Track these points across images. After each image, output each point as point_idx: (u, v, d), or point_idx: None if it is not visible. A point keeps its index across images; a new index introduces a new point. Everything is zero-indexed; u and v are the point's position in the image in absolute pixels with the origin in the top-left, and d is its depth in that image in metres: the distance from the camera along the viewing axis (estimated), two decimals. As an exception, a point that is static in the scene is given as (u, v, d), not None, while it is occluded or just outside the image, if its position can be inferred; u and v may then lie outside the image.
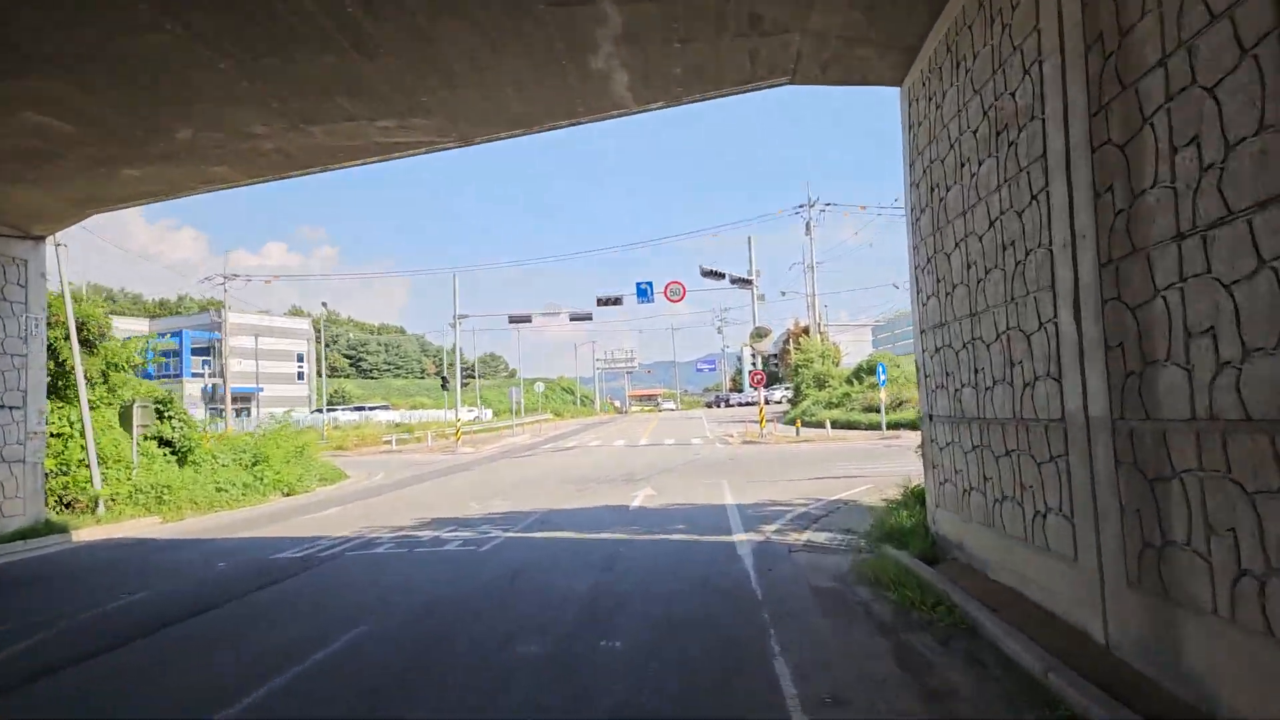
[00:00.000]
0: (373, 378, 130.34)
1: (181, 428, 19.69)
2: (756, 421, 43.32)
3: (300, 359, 68.07)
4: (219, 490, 17.98)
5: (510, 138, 10.80)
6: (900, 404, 35.91)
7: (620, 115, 10.12)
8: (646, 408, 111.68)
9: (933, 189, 7.64)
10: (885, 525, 8.96)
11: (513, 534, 10.84)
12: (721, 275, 28.49)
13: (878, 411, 36.24)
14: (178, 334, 61.85)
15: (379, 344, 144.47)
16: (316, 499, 18.65)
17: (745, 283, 29.11)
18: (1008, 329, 5.97)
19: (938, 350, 7.79)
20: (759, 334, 29.33)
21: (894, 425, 32.86)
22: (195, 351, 62.43)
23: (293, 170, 12.10)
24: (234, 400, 63.14)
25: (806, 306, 53.64)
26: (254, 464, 20.79)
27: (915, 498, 10.17)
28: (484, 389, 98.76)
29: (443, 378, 33.41)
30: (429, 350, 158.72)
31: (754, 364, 28.31)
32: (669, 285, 29.56)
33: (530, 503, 14.37)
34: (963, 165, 6.81)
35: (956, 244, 7.03)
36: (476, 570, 8.39)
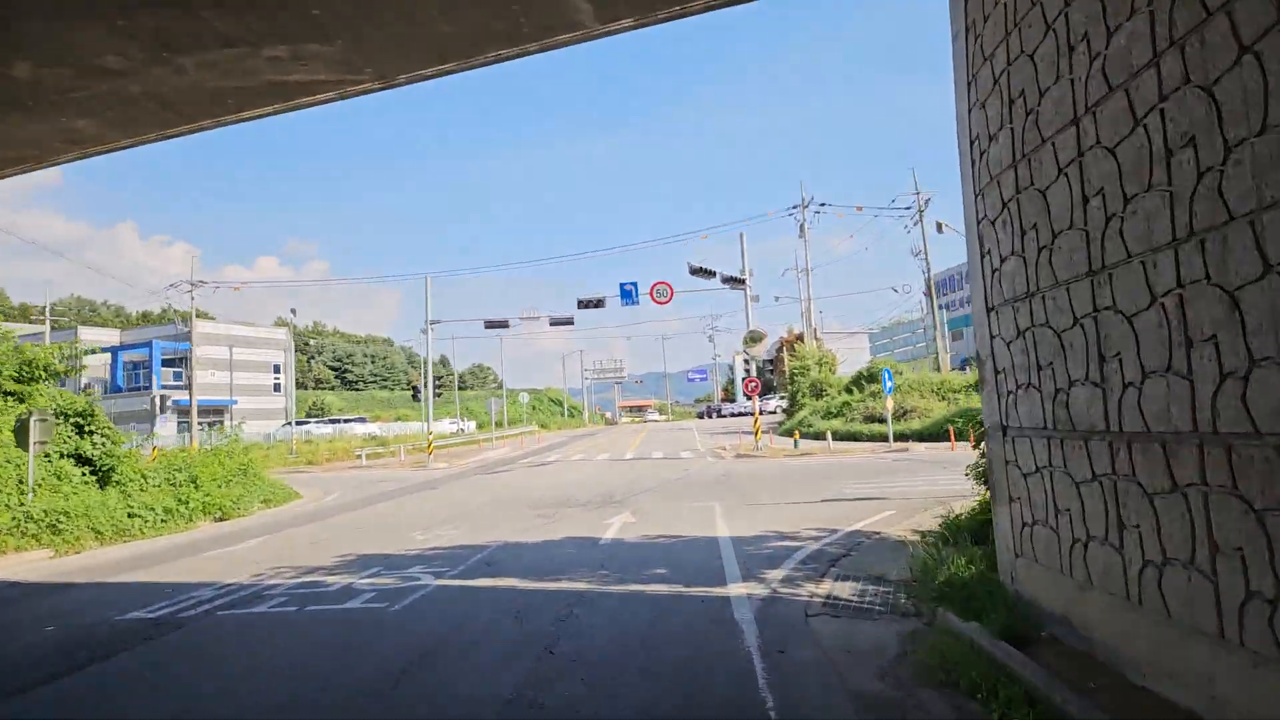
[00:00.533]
0: (358, 389, 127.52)
1: (104, 444, 17.27)
2: (750, 433, 40.99)
3: (277, 370, 65.37)
4: (131, 516, 15.50)
5: (439, 75, 8.47)
6: (905, 413, 33.70)
7: (577, 39, 7.82)
8: (636, 419, 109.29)
9: (1012, 101, 5.34)
10: (933, 574, 6.62)
11: (446, 580, 8.45)
12: (711, 273, 26.20)
13: (882, 421, 33.97)
14: (148, 345, 59.20)
15: (365, 355, 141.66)
16: (247, 525, 16.19)
17: (737, 282, 26.85)
18: (1179, 285, 3.65)
19: (1020, 334, 5.47)
20: (753, 338, 27.07)
21: (900, 436, 30.65)
22: (167, 363, 59.72)
23: (179, 124, 9.72)
24: (207, 413, 60.53)
25: (800, 313, 51.51)
26: (190, 484, 18.42)
27: (963, 532, 7.84)
28: (469, 401, 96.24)
29: (414, 388, 30.92)
30: (416, 362, 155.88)
31: (747, 371, 25.99)
32: (655, 286, 27.32)
33: (485, 533, 11.99)
34: (1073, 49, 4.51)
35: (1061, 171, 4.72)
36: (368, 647, 6.01)
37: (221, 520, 17.46)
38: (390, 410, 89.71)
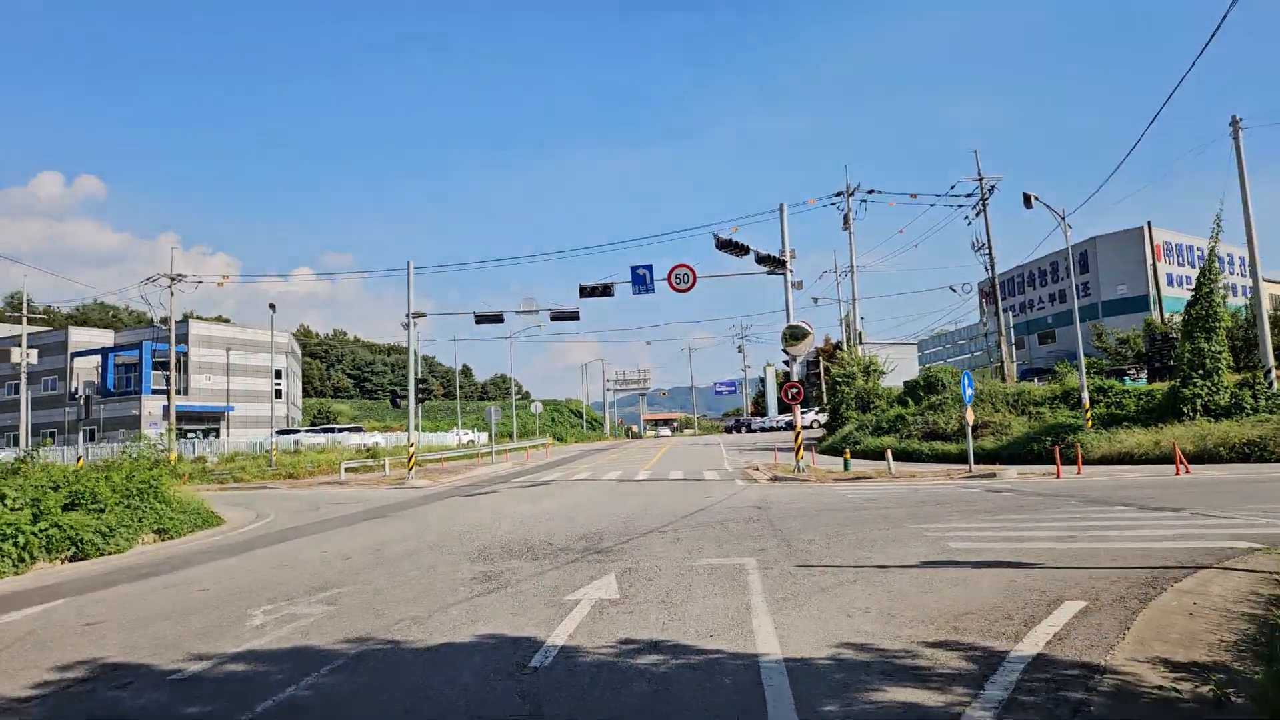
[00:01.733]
0: (377, 398, 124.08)
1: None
2: (787, 449, 35.70)
3: (279, 375, 61.47)
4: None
5: None
6: (976, 430, 28.21)
7: None
8: (660, 433, 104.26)
9: None
10: None
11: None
12: (743, 249, 21.14)
13: (946, 439, 28.58)
14: (139, 346, 55.61)
15: (385, 364, 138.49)
16: (102, 568, 11.58)
17: (775, 263, 21.80)
18: None
19: None
20: (794, 334, 22.00)
21: (975, 456, 25.38)
22: (160, 365, 56.08)
23: None
24: (202, 419, 56.74)
25: (840, 318, 46.12)
26: (70, 506, 13.97)
27: None
28: (479, 412, 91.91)
29: (394, 394, 26.17)
30: (438, 370, 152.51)
31: (787, 375, 20.86)
32: (674, 270, 22.42)
33: (363, 616, 7.14)
34: None
35: None
36: None
37: (78, 559, 12.89)
38: (404, 420, 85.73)
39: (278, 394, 61.02)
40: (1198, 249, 49.48)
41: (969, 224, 41.80)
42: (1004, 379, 36.63)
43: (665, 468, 29.42)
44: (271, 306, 36.79)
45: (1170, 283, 47.40)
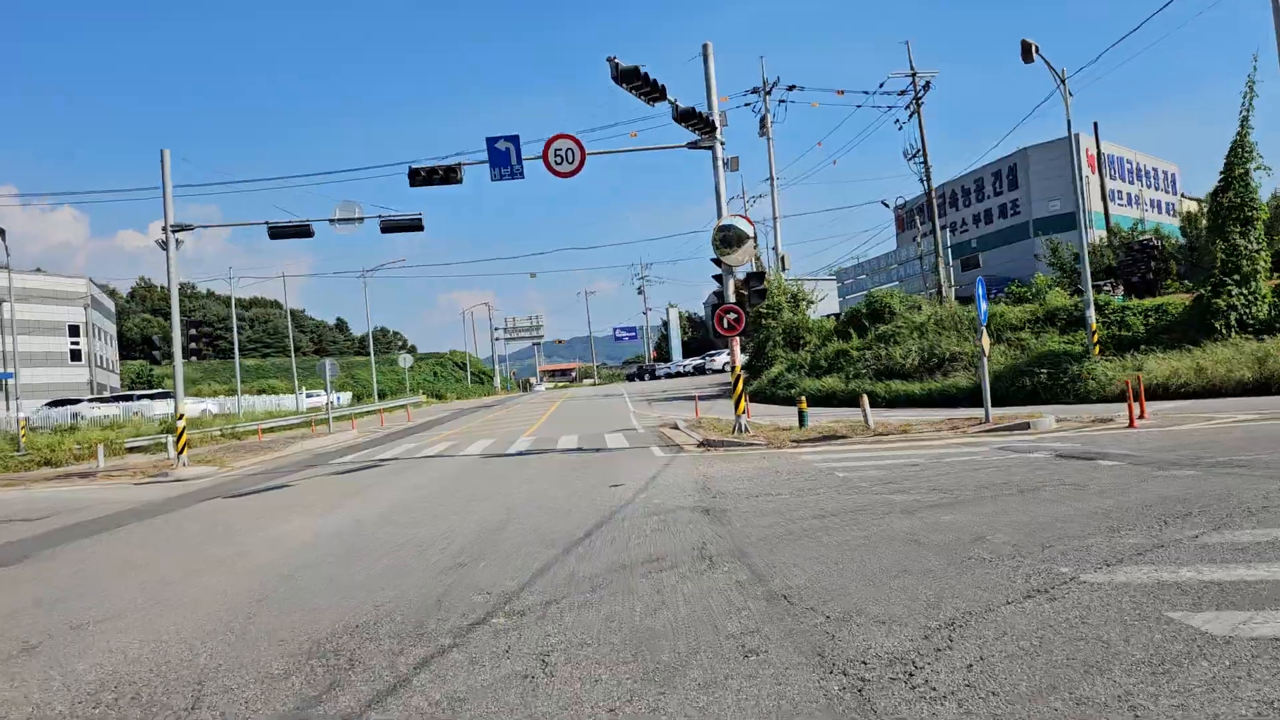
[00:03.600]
0: (230, 358, 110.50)
1: None
2: (707, 398, 29.29)
3: (75, 332, 50.08)
4: None
5: None
6: (941, 363, 22.59)
7: None
8: (560, 384, 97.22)
9: None
10: None
11: None
12: (654, 88, 13.77)
13: (907, 377, 22.80)
14: None
15: (244, 319, 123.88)
16: None
17: (700, 124, 14.71)
18: None
19: None
20: (729, 238, 15.19)
21: (954, 396, 19.79)
22: (-93, 324, 43.89)
23: None
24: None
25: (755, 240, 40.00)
26: None
27: None
28: (358, 368, 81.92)
29: (151, 345, 17.57)
30: (305, 326, 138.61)
31: (718, 298, 13.75)
32: (553, 144, 15.08)
33: None
34: None
35: None
36: None
37: None
38: (257, 381, 74.86)
39: (75, 355, 49.81)
40: (1130, 162, 45.92)
41: (900, 128, 36.17)
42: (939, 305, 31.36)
43: (555, 430, 22.38)
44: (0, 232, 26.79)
45: (1113, 198, 43.65)
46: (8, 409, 45.34)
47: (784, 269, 35.36)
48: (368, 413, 41.79)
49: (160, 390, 44.14)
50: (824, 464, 11.29)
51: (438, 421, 32.05)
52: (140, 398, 38.24)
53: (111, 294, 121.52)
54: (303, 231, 19.06)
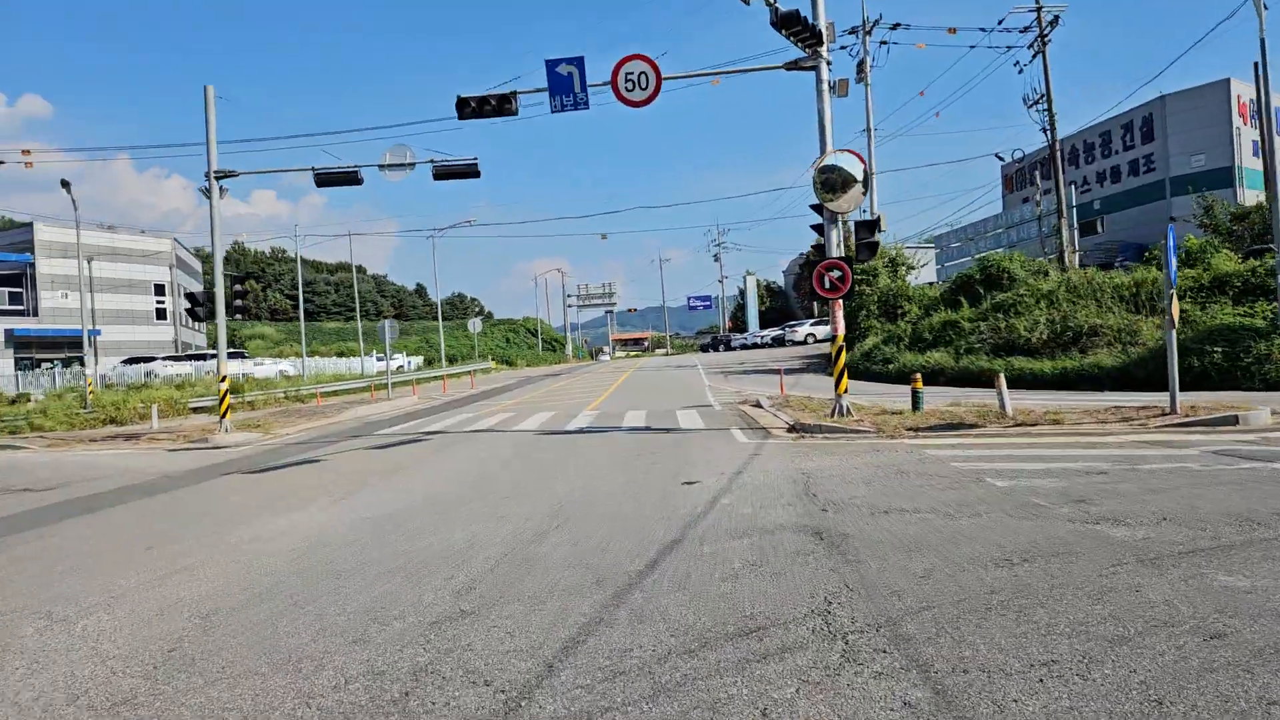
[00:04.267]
0: (318, 320, 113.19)
1: None
2: (793, 370, 26.61)
3: (160, 291, 50.77)
4: None
5: None
6: (1077, 338, 19.34)
7: None
8: (632, 353, 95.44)
9: None
10: None
11: None
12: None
13: (1034, 353, 19.59)
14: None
15: (328, 283, 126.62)
16: None
17: (804, 33, 11.96)
18: None
19: None
20: (832, 181, 12.52)
21: (1089, 374, 16.71)
22: (4, 281, 45.17)
23: None
24: (56, 347, 45.95)
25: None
26: None
27: None
28: (431, 333, 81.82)
29: (194, 302, 16.09)
30: (387, 291, 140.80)
31: (819, 252, 11.01)
32: (623, 66, 12.65)
33: None
34: None
35: None
36: None
37: None
38: (338, 344, 75.69)
39: (160, 314, 50.53)
40: (1285, 112, 39.96)
41: (1020, 70, 31.98)
42: (1064, 269, 27.45)
43: (622, 403, 20.20)
44: (64, 184, 26.19)
45: (1255, 152, 38.17)
46: (89, 365, 46.16)
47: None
48: (430, 378, 40.62)
49: (235, 350, 44.11)
50: (965, 463, 8.66)
51: (502, 389, 30.38)
52: (213, 357, 37.99)
53: (205, 258, 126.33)
54: (350, 178, 17.23)
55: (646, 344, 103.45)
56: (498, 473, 9.98)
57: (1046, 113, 30.38)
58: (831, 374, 13.26)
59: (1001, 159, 34.76)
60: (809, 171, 13.16)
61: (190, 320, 57.40)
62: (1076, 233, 31.90)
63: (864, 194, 12.86)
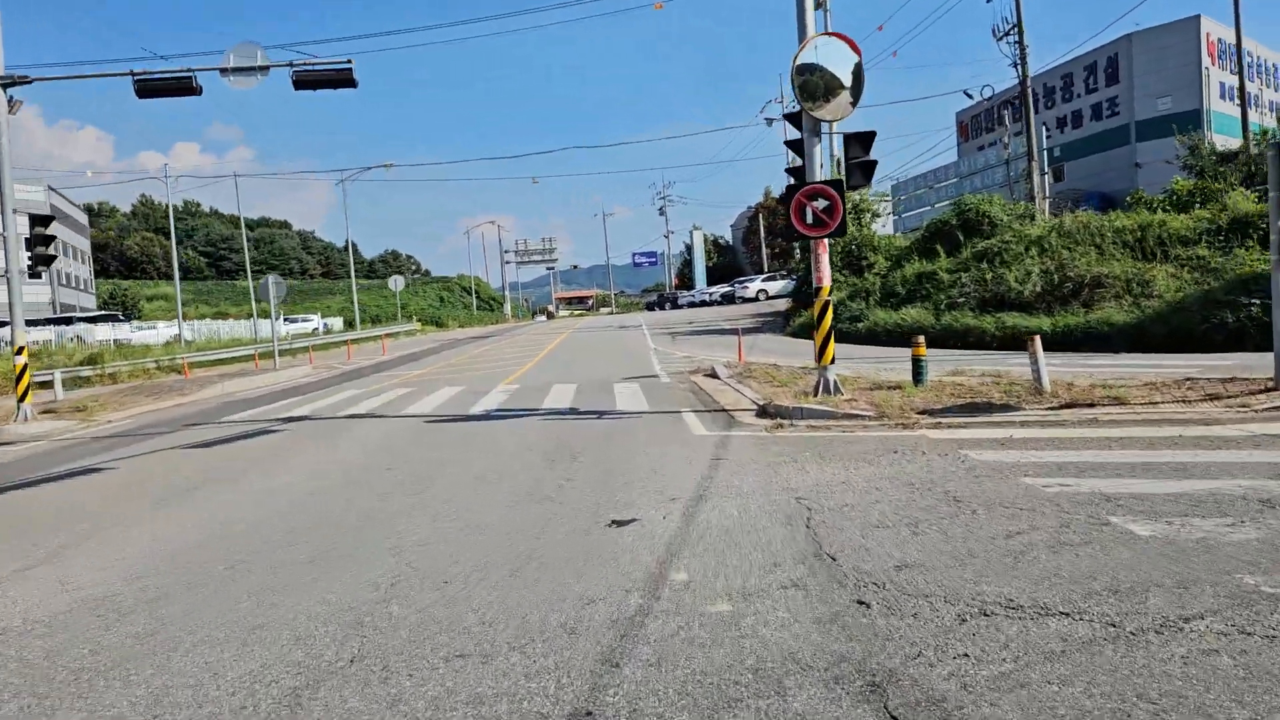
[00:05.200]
0: (235, 279, 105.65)
1: None
2: (753, 329, 23.53)
3: (29, 244, 44.67)
4: None
5: None
6: (1078, 289, 16.69)
7: None
8: (576, 311, 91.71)
9: None
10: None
11: None
12: None
13: (1025, 308, 16.85)
14: None
15: (249, 240, 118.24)
16: None
17: None
18: None
19: None
20: (812, 85, 9.25)
21: (1097, 333, 14.07)
22: None
23: None
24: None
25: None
26: None
27: None
28: (361, 295, 76.34)
29: None
30: (312, 248, 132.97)
31: (796, 177, 7.41)
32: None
33: None
34: None
35: None
36: None
37: None
38: (246, 305, 69.86)
39: (35, 273, 44.49)
40: (1252, 54, 38.17)
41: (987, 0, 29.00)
42: (1033, 215, 24.88)
43: (549, 373, 16.82)
44: None
45: (1223, 94, 36.23)
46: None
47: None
48: (337, 344, 36.32)
49: (103, 313, 38.95)
50: (1039, 479, 5.63)
51: (413, 357, 26.57)
52: (81, 320, 33.05)
53: (110, 213, 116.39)
54: (185, 86, 13.18)
55: (591, 303, 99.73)
56: (326, 501, 6.57)
57: (1018, 45, 27.56)
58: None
59: (970, 96, 31.97)
60: (790, 68, 9.78)
61: (72, 280, 51.32)
62: (1049, 178, 29.39)
63: (856, 98, 9.57)
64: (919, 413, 8.49)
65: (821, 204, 9.36)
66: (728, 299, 48.30)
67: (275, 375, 20.77)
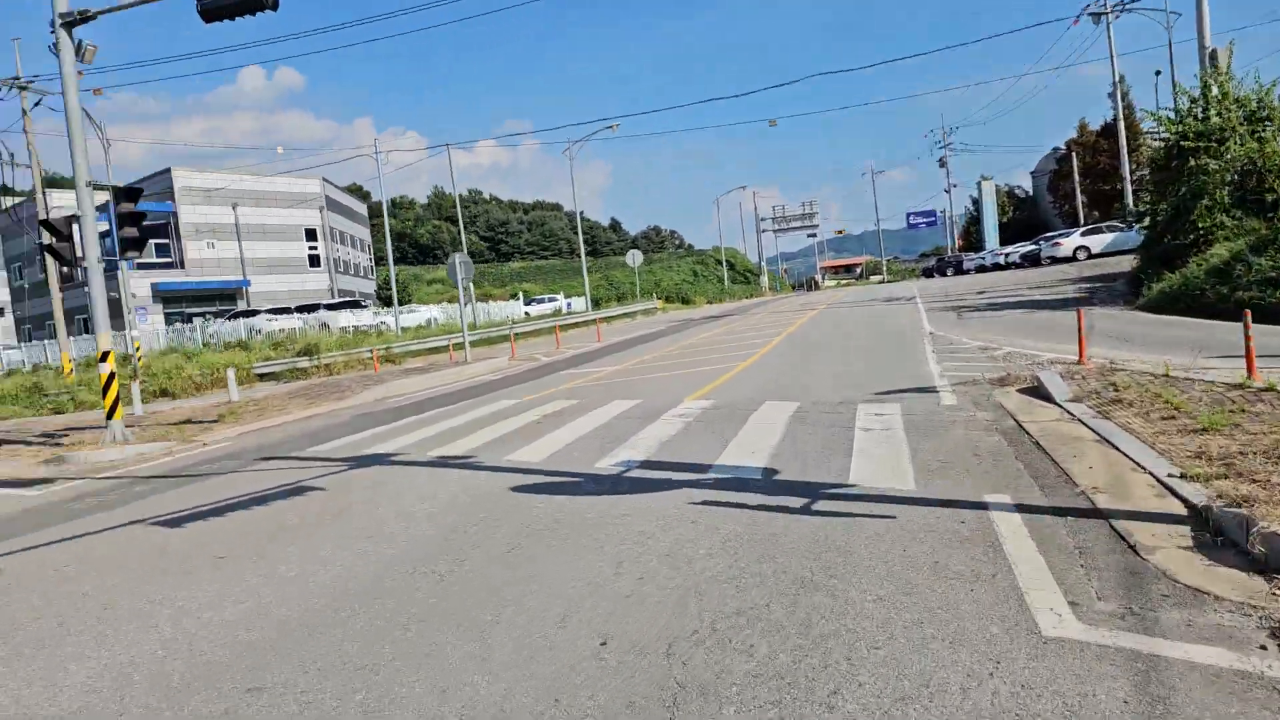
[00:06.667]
0: (511, 262, 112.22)
1: None
2: (1062, 304, 16.34)
3: (311, 236, 48.34)
4: None
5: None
6: None
7: None
8: (843, 281, 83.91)
9: None
10: None
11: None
12: None
13: None
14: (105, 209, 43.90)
15: (521, 223, 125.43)
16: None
17: None
18: None
19: None
20: None
21: None
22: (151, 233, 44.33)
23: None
24: (207, 299, 44.44)
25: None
26: None
27: None
28: (612, 269, 75.85)
29: (52, 233, 9.23)
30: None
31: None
32: None
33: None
34: None
35: None
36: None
37: None
38: (524, 285, 72.12)
39: (314, 261, 48.22)
40: None
41: None
42: None
43: (770, 373, 11.56)
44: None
45: None
46: (131, 326, 44.82)
47: (1217, 68, 19.59)
48: (577, 324, 33.73)
49: (347, 300, 40.16)
50: None
51: (627, 344, 22.57)
52: (330, 307, 33.94)
53: (410, 205, 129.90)
54: (254, 2, 9.86)
55: (860, 270, 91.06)
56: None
57: None
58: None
59: None
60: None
61: (351, 268, 55.44)
62: None
63: None
64: None
65: None
66: (1030, 260, 38.76)
67: (458, 371, 17.85)
